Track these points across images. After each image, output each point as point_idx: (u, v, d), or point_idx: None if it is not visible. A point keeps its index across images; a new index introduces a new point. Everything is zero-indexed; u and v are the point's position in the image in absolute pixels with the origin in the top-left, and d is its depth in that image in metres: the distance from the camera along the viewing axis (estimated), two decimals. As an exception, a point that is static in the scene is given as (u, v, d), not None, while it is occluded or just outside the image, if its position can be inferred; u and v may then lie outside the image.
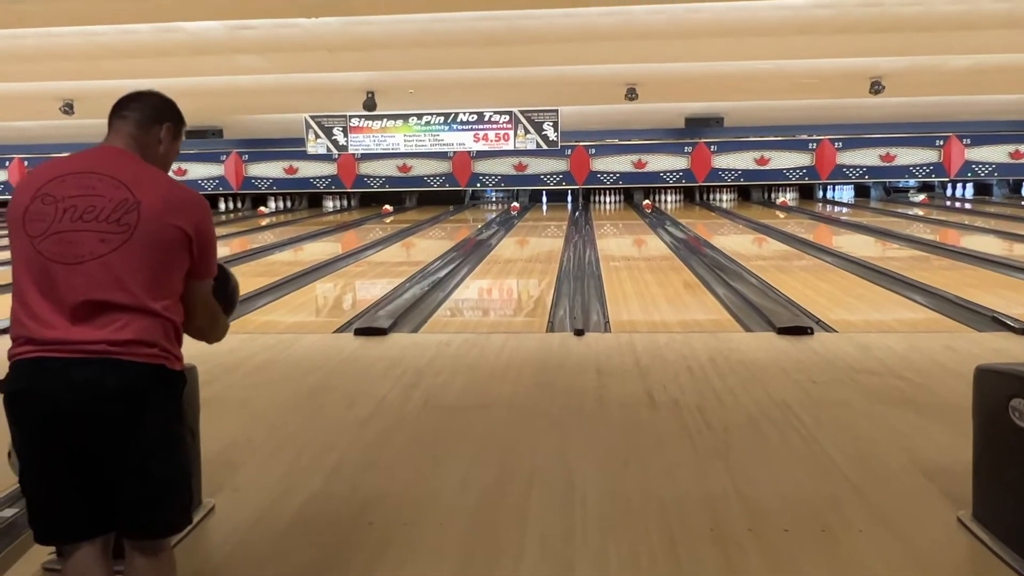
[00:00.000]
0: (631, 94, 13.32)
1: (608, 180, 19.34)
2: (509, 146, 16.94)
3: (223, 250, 12.52)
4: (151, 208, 1.83)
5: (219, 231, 12.36)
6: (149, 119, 2.00)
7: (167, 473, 1.89)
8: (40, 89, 12.78)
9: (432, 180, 19.48)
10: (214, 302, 2.07)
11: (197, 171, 20.20)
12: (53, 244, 1.79)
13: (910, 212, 16.44)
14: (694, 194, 19.97)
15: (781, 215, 16.68)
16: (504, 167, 19.34)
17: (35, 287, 1.80)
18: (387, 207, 19.12)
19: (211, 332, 2.12)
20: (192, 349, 5.62)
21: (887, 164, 18.68)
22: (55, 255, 1.78)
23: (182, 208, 1.89)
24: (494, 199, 20.53)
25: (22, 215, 1.83)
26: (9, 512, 2.15)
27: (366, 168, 19.65)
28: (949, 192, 19.68)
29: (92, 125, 17.15)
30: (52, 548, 2.49)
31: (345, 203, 20.80)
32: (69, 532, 1.85)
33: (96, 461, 1.81)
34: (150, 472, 1.84)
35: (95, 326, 1.77)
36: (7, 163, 20.35)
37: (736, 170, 19.06)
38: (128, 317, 1.79)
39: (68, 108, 13.86)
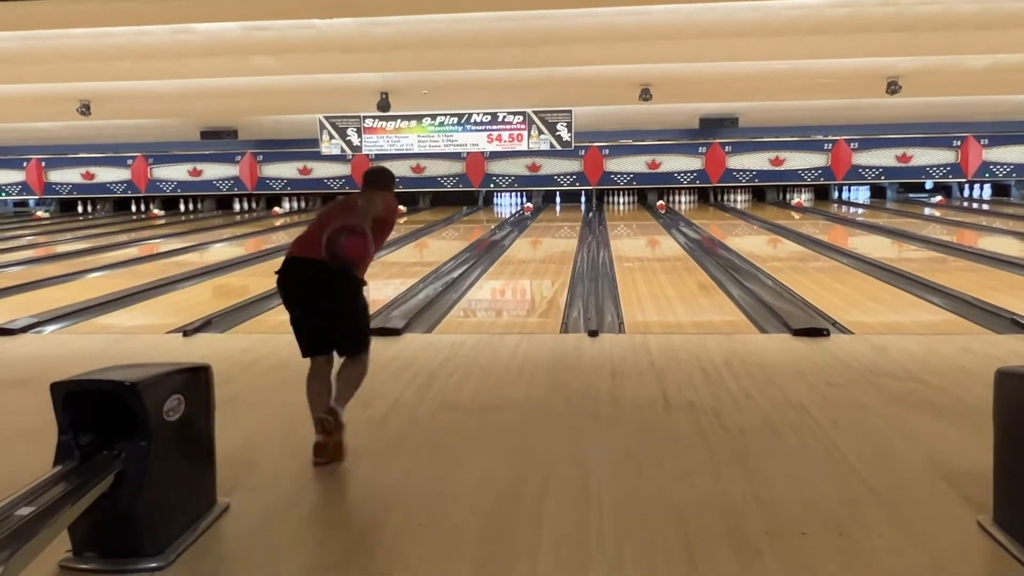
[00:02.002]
0: (645, 94, 13.28)
1: (622, 181, 19.31)
2: (523, 147, 16.94)
3: (237, 250, 12.59)
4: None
5: (233, 231, 12.44)
6: (372, 190, 3.78)
7: (359, 322, 3.55)
8: (57, 90, 12.86)
9: (446, 180, 19.51)
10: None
11: (212, 171, 20.34)
12: (329, 219, 3.48)
13: (927, 213, 16.32)
14: (708, 195, 19.90)
15: (796, 216, 16.60)
16: (518, 168, 19.33)
17: (310, 233, 3.56)
18: (401, 208, 19.12)
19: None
20: (206, 350, 5.64)
21: (903, 165, 18.56)
22: (325, 222, 3.46)
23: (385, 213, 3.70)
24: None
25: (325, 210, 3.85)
26: (26, 510, 2.15)
27: (380, 169, 19.65)
28: (967, 193, 19.52)
29: (108, 126, 17.34)
30: (69, 546, 2.52)
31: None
32: (313, 350, 3.50)
33: (321, 315, 3.44)
34: (350, 321, 3.50)
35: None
36: (25, 163, 20.51)
37: (751, 171, 18.99)
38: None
39: (85, 109, 13.95)
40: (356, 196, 3.71)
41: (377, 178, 3.85)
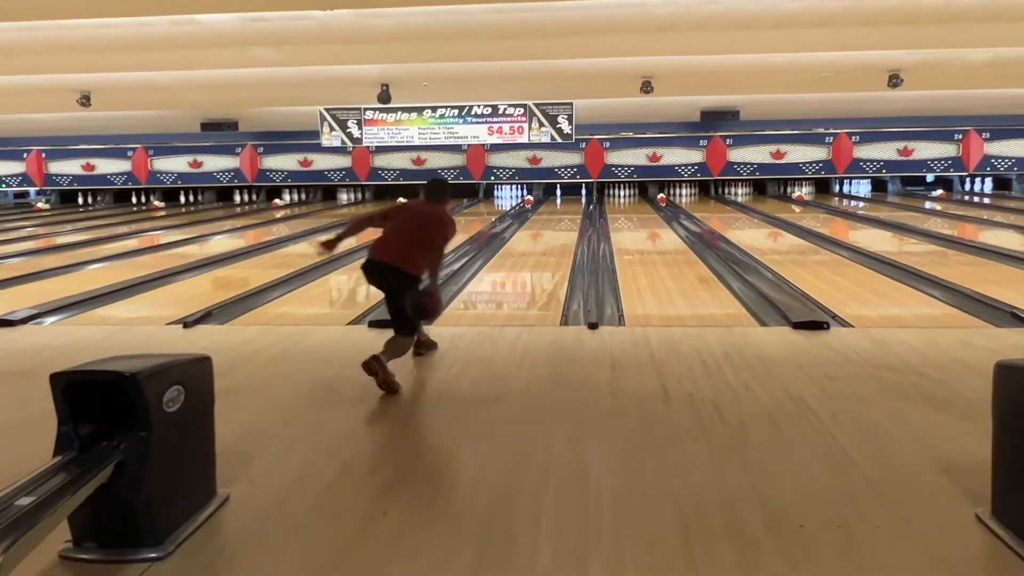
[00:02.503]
0: (646, 87, 13.25)
1: (623, 174, 19.29)
2: (523, 139, 16.90)
3: (237, 242, 12.58)
4: (434, 225, 4.72)
5: (233, 223, 12.40)
6: (436, 200, 4.94)
7: (406, 312, 4.45)
8: (57, 81, 12.84)
9: (446, 173, 19.49)
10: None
11: (212, 163, 20.32)
12: (400, 230, 4.65)
13: (927, 207, 16.30)
14: (709, 188, 19.89)
15: (797, 209, 16.58)
16: (518, 160, 19.31)
17: (385, 241, 4.63)
18: (400, 200, 19.14)
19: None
20: (206, 342, 5.62)
21: (905, 158, 18.53)
22: (397, 232, 4.64)
23: (443, 226, 4.77)
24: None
25: (395, 216, 4.77)
26: (26, 500, 2.15)
27: (380, 161, 19.68)
28: (968, 187, 19.48)
29: (109, 117, 17.32)
30: (68, 536, 2.53)
31: (359, 196, 20.84)
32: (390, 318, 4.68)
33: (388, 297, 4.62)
34: (400, 310, 4.46)
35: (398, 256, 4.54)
36: (25, 155, 20.49)
37: (752, 164, 18.97)
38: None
39: (85, 100, 13.93)
40: (419, 205, 4.97)
41: (432, 190, 4.96)
